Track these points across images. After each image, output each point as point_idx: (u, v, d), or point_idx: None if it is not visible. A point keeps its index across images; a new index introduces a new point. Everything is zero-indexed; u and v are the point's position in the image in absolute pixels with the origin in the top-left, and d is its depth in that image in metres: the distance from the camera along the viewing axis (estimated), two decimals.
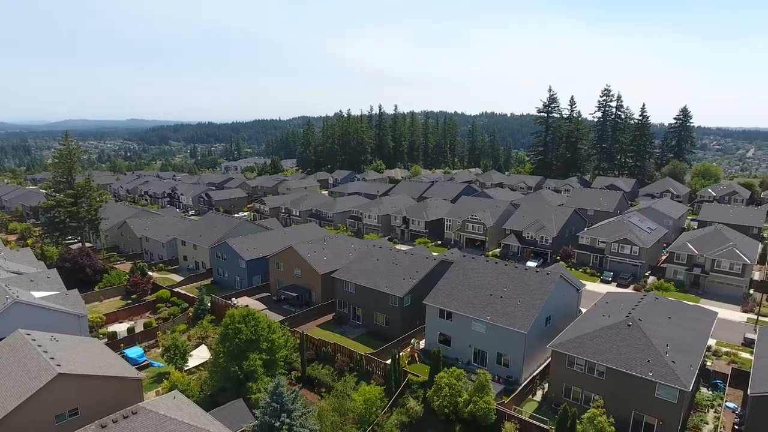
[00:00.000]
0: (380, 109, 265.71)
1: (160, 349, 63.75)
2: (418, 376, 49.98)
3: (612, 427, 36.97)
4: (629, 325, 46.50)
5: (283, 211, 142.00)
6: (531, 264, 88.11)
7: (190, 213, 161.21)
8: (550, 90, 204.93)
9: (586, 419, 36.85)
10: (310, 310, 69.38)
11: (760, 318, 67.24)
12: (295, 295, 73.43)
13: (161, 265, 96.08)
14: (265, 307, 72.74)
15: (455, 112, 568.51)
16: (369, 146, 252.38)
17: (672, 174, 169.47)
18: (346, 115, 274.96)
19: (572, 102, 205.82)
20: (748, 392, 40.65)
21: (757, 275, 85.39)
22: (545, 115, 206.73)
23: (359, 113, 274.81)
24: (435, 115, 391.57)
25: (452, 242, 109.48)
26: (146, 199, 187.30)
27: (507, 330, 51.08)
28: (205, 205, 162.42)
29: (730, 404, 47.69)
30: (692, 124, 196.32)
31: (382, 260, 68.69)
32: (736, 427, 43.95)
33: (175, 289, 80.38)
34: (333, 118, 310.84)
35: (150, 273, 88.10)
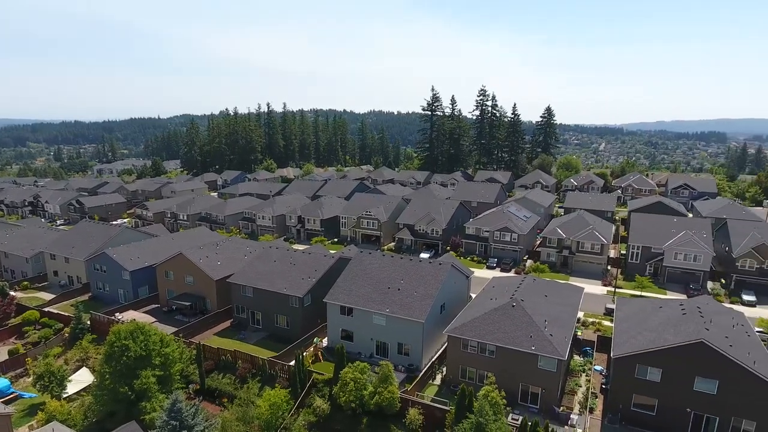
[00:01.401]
0: (269, 108, 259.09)
1: (31, 378, 56.73)
2: (322, 374, 49.99)
3: (504, 400, 40.07)
4: (513, 306, 50.55)
5: (169, 215, 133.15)
6: (424, 256, 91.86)
7: (59, 222, 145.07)
8: (433, 90, 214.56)
9: (482, 396, 39.51)
10: (206, 319, 66.07)
11: (617, 290, 76.66)
12: (188, 304, 69.39)
13: (26, 283, 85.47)
14: (155, 319, 67.88)
15: (344, 110, 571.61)
16: (259, 145, 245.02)
17: (541, 167, 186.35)
18: (233, 114, 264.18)
19: (453, 101, 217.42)
20: (611, 355, 46.27)
21: (612, 253, 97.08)
22: (430, 113, 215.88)
23: (246, 111, 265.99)
24: (324, 113, 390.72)
25: (348, 239, 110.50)
26: (1, 209, 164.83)
27: (406, 320, 52.94)
28: (77, 213, 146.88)
29: (598, 367, 53.98)
30: (555, 122, 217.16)
31: (280, 261, 67.44)
32: (603, 386, 49.86)
33: (46, 309, 72.09)
34: (219, 116, 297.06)
35: (12, 293, 78.02)
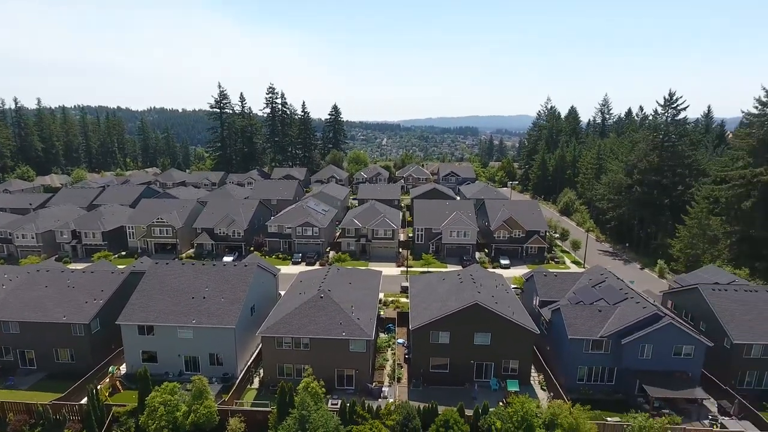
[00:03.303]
0: (17, 104, 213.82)
1: None
2: (124, 405, 44.30)
3: (323, 389, 41.35)
4: (321, 297, 52.18)
5: None
6: (228, 259, 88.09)
7: None
8: (220, 86, 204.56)
9: (301, 389, 40.08)
10: None
11: (409, 269, 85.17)
12: None
13: None
14: None
15: (118, 107, 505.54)
16: (7, 149, 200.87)
17: (333, 161, 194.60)
18: None
19: (242, 98, 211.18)
20: (410, 327, 51.51)
21: (402, 237, 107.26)
22: (218, 111, 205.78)
23: None
24: (94, 110, 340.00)
25: (139, 250, 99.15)
26: None
27: (216, 329, 50.30)
28: None
29: (400, 340, 59.48)
30: (343, 119, 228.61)
31: (53, 286, 57.10)
32: (406, 356, 55.19)
33: None
34: None
35: None
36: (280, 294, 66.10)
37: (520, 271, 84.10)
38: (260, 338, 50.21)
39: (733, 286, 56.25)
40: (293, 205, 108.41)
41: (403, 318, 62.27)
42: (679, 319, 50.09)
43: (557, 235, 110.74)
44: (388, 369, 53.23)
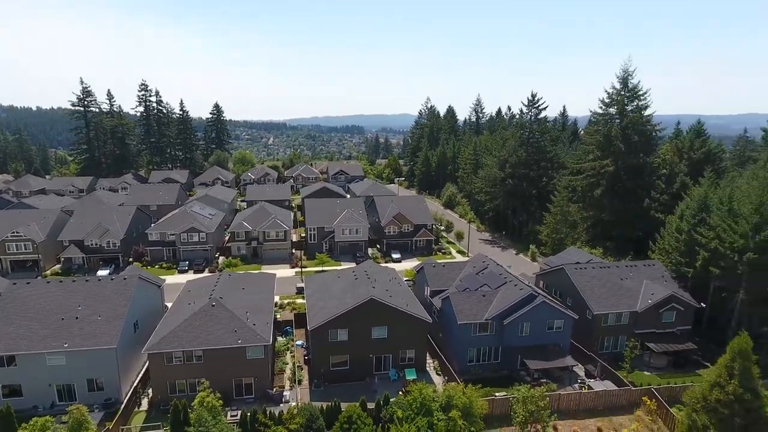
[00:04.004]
0: None
1: None
2: None
3: (220, 401, 39.33)
4: (213, 306, 49.57)
5: None
6: (103, 272, 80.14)
7: None
8: (82, 82, 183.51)
9: (197, 404, 37.77)
10: None
11: (303, 270, 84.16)
12: None
13: None
14: None
15: None
16: None
17: (218, 163, 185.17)
18: None
19: (110, 96, 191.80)
20: (308, 328, 50.96)
21: (294, 237, 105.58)
22: (82, 109, 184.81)
23: None
24: None
25: None
26: None
27: (93, 351, 45.38)
28: None
29: (299, 342, 58.66)
30: (225, 118, 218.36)
31: None
32: (306, 357, 54.55)
33: None
34: None
35: None
36: (166, 306, 61.60)
37: (411, 264, 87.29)
38: (147, 356, 46.34)
39: (591, 264, 63.72)
40: (176, 210, 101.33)
41: (300, 319, 61.44)
42: (550, 297, 55.57)
43: (443, 228, 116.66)
44: (288, 372, 52.22)
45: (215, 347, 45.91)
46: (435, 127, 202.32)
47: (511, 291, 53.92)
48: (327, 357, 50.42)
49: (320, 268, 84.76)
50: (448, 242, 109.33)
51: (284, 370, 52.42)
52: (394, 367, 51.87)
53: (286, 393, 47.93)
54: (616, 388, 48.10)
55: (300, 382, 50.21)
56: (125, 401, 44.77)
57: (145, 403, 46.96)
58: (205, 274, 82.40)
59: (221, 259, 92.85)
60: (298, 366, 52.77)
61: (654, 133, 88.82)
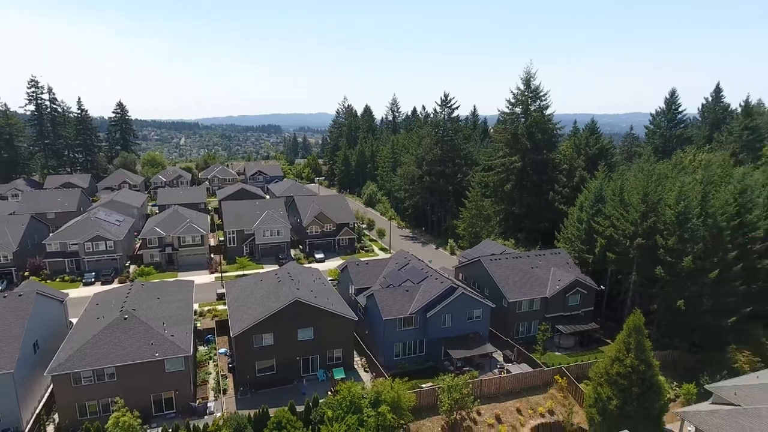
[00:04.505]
0: None
1: None
2: None
3: (138, 420, 36.83)
4: (126, 319, 46.26)
5: None
6: None
7: None
8: None
9: (111, 425, 35.10)
10: None
11: (223, 275, 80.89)
12: None
13: None
14: None
15: None
16: None
17: (124, 165, 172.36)
18: None
19: None
20: (231, 335, 49.13)
21: (212, 242, 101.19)
22: None
23: None
24: None
25: None
26: None
27: None
28: None
29: (222, 350, 56.30)
30: (131, 117, 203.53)
31: None
32: (230, 365, 52.53)
33: None
34: None
35: None
36: (71, 322, 56.43)
37: (334, 263, 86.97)
38: (50, 378, 42.19)
39: (504, 255, 67.28)
40: (78, 218, 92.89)
41: (222, 326, 59.01)
42: (469, 289, 57.97)
43: (365, 226, 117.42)
44: (211, 382, 49.98)
45: (130, 363, 42.83)
46: (353, 126, 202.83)
47: (433, 285, 55.53)
48: (252, 363, 48.91)
49: (241, 272, 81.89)
50: (371, 240, 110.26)
51: (207, 381, 50.10)
52: (322, 367, 51.48)
53: (211, 404, 45.87)
54: (532, 369, 51.30)
55: (225, 391, 48.25)
56: (27, 430, 40.43)
57: (51, 430, 42.74)
58: (115, 285, 76.38)
59: (133, 268, 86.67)
60: (222, 375, 50.68)
61: (555, 131, 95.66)
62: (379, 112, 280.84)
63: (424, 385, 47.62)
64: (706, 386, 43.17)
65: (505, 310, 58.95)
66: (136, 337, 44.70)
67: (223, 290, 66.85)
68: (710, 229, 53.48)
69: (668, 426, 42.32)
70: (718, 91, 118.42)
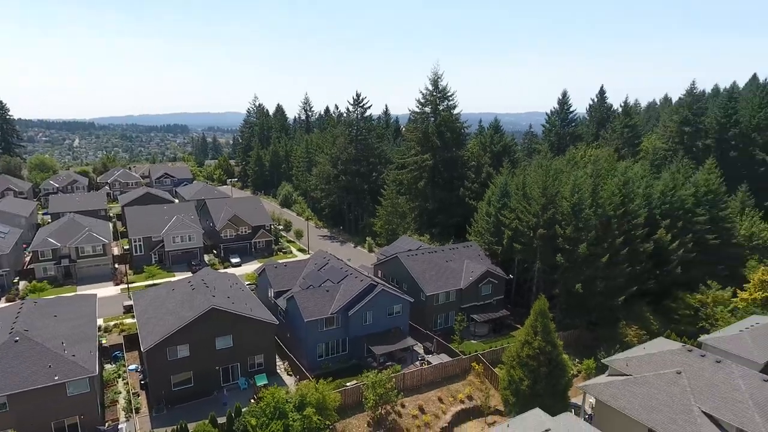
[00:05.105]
0: None
1: None
2: None
3: None
4: (17, 341, 41.44)
5: None
6: None
7: None
8: None
9: None
10: None
11: (130, 286, 75.15)
12: None
13: None
14: None
15: None
16: None
17: (7, 170, 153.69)
18: None
19: None
20: (142, 350, 45.80)
21: (116, 251, 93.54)
22: None
23: None
24: None
25: None
26: None
27: None
28: None
29: (132, 367, 52.28)
30: (12, 117, 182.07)
31: None
32: (143, 382, 48.94)
33: None
34: None
35: None
36: None
37: (252, 267, 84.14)
38: None
39: (420, 250, 69.17)
40: None
41: (132, 341, 54.76)
42: (388, 285, 58.90)
43: (281, 227, 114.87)
44: (122, 402, 46.29)
45: (24, 389, 38.41)
46: (265, 125, 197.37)
47: (353, 283, 55.67)
48: (167, 377, 45.96)
49: (151, 282, 76.53)
50: (289, 241, 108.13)
51: (117, 401, 46.31)
52: (244, 375, 49.67)
53: (122, 426, 42.50)
54: (450, 359, 53.28)
55: (138, 410, 44.88)
56: None
57: None
58: (2, 305, 68.02)
59: (23, 284, 77.67)
60: (133, 393, 47.08)
61: (463, 130, 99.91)
62: (292, 112, 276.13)
63: (348, 384, 47.64)
64: (603, 360, 47.52)
65: (423, 303, 60.60)
66: (31, 361, 40.18)
67: (131, 302, 62.10)
68: (600, 218, 58.84)
69: (573, 400, 46.01)
70: (602, 92, 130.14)
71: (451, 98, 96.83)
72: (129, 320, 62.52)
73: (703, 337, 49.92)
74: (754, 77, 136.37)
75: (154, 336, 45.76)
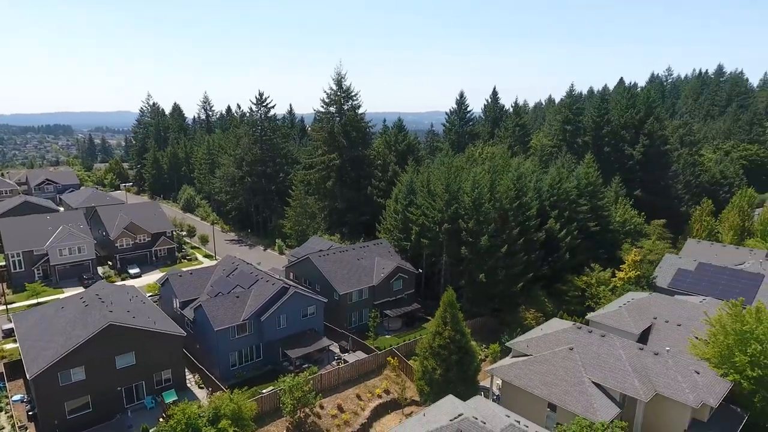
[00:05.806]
0: None
1: None
2: None
3: None
4: None
5: None
6: None
7: None
8: None
9: None
10: None
11: (9, 306, 66.59)
12: None
13: None
14: None
15: None
16: None
17: None
18: None
19: None
20: (28, 377, 40.87)
21: None
22: None
23: None
24: None
25: None
26: None
27: None
28: None
29: (17, 397, 46.36)
30: None
31: None
32: (30, 413, 43.62)
33: None
34: None
35: None
36: None
37: (153, 277, 78.41)
38: None
39: (331, 250, 68.99)
40: None
41: (14, 368, 48.57)
42: (301, 287, 58.05)
43: (185, 233, 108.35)
44: None
45: None
46: (162, 125, 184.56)
47: (265, 287, 54.16)
48: (60, 405, 41.45)
49: (35, 301, 68.37)
50: (193, 248, 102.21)
51: None
52: (150, 393, 46.23)
53: None
54: (366, 355, 53.82)
55: None
56: None
57: None
58: None
59: None
60: (20, 426, 41.81)
61: (368, 129, 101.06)
62: (191, 111, 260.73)
63: (264, 391, 46.24)
64: (506, 343, 50.82)
65: (337, 303, 60.55)
66: None
67: (11, 325, 55.06)
68: (498, 211, 62.77)
69: (482, 383, 48.71)
70: (495, 93, 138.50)
71: (355, 98, 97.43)
72: (10, 345, 55.35)
73: (589, 315, 55.23)
74: (621, 81, 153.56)
75: (42, 361, 41.03)
